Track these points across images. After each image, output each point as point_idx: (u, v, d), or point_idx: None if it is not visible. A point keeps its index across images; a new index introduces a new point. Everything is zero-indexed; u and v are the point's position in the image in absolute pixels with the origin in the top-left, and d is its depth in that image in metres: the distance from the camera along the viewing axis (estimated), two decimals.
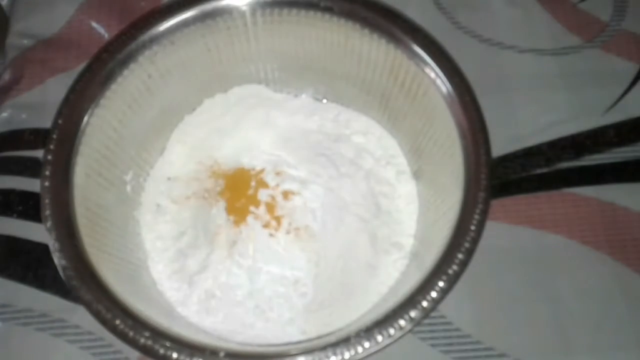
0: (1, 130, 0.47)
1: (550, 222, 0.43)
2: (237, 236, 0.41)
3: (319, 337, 0.35)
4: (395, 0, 0.42)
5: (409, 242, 0.42)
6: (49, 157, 0.39)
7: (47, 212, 0.37)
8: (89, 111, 0.40)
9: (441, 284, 0.35)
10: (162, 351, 0.33)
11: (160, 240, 0.43)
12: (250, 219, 0.41)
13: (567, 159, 0.44)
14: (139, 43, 0.41)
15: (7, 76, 0.49)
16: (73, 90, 0.40)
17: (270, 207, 0.42)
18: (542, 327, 0.40)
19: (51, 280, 0.41)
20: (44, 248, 0.39)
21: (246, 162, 0.44)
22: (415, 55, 0.40)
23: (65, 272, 0.35)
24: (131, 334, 0.34)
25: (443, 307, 0.37)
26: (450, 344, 0.40)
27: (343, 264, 0.41)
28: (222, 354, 0.33)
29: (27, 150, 0.45)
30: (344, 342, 0.33)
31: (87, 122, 0.39)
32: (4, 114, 0.47)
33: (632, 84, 0.47)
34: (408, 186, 0.44)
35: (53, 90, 0.45)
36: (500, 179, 0.44)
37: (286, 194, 0.42)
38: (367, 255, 0.41)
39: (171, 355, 0.33)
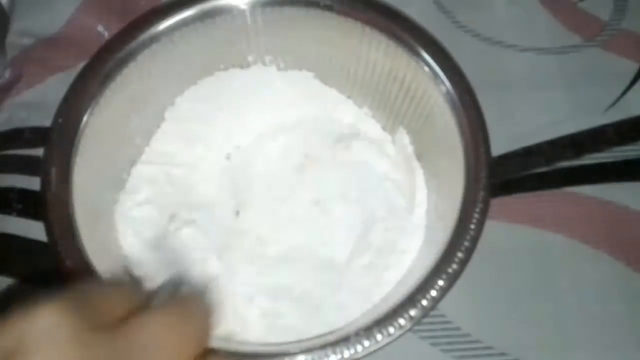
0: (1, 128, 0.47)
1: (550, 221, 0.43)
2: None
3: (318, 336, 0.35)
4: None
5: (415, 240, 0.42)
6: (49, 155, 0.39)
7: (47, 211, 0.37)
8: (89, 110, 0.40)
9: (441, 282, 0.35)
10: None
11: None
12: None
13: (567, 158, 0.44)
14: (139, 42, 0.41)
15: (7, 75, 0.49)
16: (73, 89, 0.40)
17: None
18: (542, 326, 0.40)
19: (50, 279, 0.41)
20: (44, 246, 0.39)
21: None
22: (415, 53, 0.40)
23: (65, 270, 0.35)
24: None
25: (443, 306, 0.36)
26: (450, 343, 0.40)
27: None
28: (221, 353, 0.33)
29: (27, 148, 0.45)
30: (344, 341, 0.33)
31: (87, 121, 0.39)
32: (4, 113, 0.47)
33: (632, 83, 0.47)
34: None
35: (53, 89, 0.45)
36: (500, 177, 0.44)
37: None
38: (368, 254, 0.41)
39: None
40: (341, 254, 0.41)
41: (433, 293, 0.34)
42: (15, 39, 0.50)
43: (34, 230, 0.42)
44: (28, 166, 0.45)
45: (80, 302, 0.20)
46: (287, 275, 0.40)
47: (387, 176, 0.43)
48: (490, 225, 0.37)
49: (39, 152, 0.41)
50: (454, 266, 0.35)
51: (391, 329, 0.34)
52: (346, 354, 0.33)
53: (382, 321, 0.34)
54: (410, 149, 0.43)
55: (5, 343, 0.19)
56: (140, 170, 0.44)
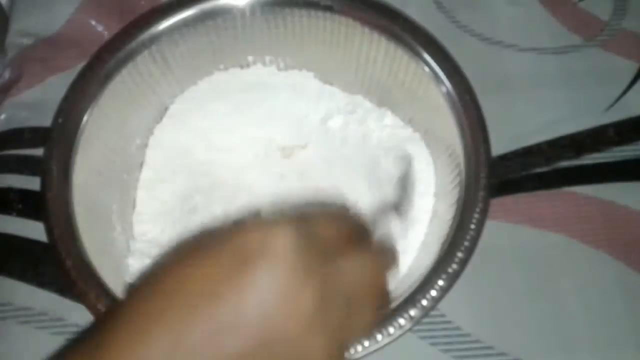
0: (1, 128, 0.47)
1: (550, 221, 0.43)
2: None
3: None
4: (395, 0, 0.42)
5: (415, 240, 0.42)
6: (49, 155, 0.39)
7: (47, 211, 0.37)
8: (89, 110, 0.40)
9: (441, 282, 0.35)
10: None
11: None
12: None
13: (567, 157, 0.44)
14: (138, 42, 0.41)
15: (7, 75, 0.49)
16: (73, 89, 0.40)
17: None
18: (542, 326, 0.40)
19: (50, 279, 0.41)
20: (43, 246, 0.39)
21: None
22: (415, 53, 0.40)
23: (65, 271, 0.35)
24: None
25: (443, 306, 0.36)
26: (450, 343, 0.40)
27: None
28: None
29: (27, 148, 0.45)
30: None
31: (87, 120, 0.40)
32: (4, 113, 0.47)
33: (632, 82, 0.47)
34: None
35: (53, 89, 0.45)
36: (500, 177, 0.44)
37: None
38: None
39: None
40: None
41: (433, 293, 0.34)
42: (15, 38, 0.50)
43: (34, 230, 0.42)
44: (28, 166, 0.45)
45: (310, 231, 0.25)
46: None
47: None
48: (490, 225, 0.37)
49: (39, 152, 0.41)
50: (454, 266, 0.35)
51: (391, 329, 0.34)
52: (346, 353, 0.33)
53: (382, 321, 0.34)
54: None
55: (250, 242, 0.24)
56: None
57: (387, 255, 0.29)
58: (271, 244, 0.24)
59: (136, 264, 0.41)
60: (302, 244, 0.24)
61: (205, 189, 0.43)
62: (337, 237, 0.26)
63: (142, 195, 0.43)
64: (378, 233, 0.32)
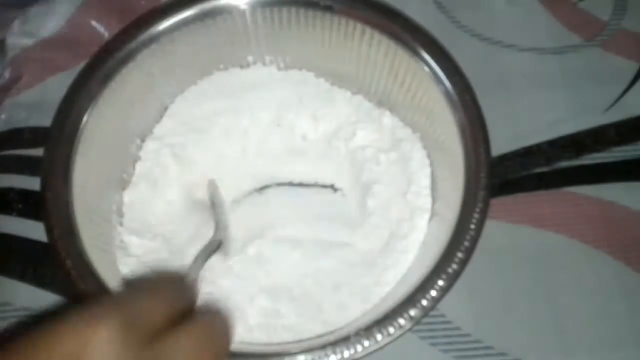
0: (1, 128, 0.47)
1: (550, 221, 0.43)
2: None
3: (318, 336, 0.35)
4: None
5: (415, 240, 0.42)
6: (49, 155, 0.39)
7: (47, 211, 0.37)
8: (89, 110, 0.40)
9: (441, 282, 0.35)
10: None
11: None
12: None
13: (567, 158, 0.44)
14: (138, 42, 0.41)
15: (7, 75, 0.49)
16: (73, 89, 0.40)
17: None
18: (542, 326, 0.40)
19: (50, 279, 0.41)
20: (43, 246, 0.39)
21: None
22: (415, 53, 0.40)
23: (65, 271, 0.35)
24: None
25: (443, 306, 0.36)
26: (450, 343, 0.40)
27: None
28: None
29: (27, 148, 0.45)
30: (344, 340, 0.33)
31: (87, 121, 0.39)
32: (4, 113, 0.47)
33: (632, 82, 0.47)
34: None
35: (53, 88, 0.45)
36: (500, 177, 0.44)
37: None
38: (370, 254, 0.41)
39: None
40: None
41: (433, 293, 0.34)
42: (15, 39, 0.50)
43: (34, 230, 0.42)
44: (28, 166, 0.45)
45: (129, 316, 0.23)
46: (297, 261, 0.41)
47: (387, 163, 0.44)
48: (490, 225, 0.37)
49: (39, 152, 0.41)
50: (454, 266, 0.35)
51: (391, 329, 0.34)
52: (346, 354, 0.33)
53: (382, 321, 0.34)
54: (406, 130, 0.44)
55: (62, 353, 0.22)
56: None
57: (215, 325, 0.27)
58: (91, 348, 0.22)
59: (135, 264, 0.41)
60: (122, 339, 0.22)
61: (200, 189, 0.44)
62: (163, 313, 0.25)
63: (134, 192, 0.43)
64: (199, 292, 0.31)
